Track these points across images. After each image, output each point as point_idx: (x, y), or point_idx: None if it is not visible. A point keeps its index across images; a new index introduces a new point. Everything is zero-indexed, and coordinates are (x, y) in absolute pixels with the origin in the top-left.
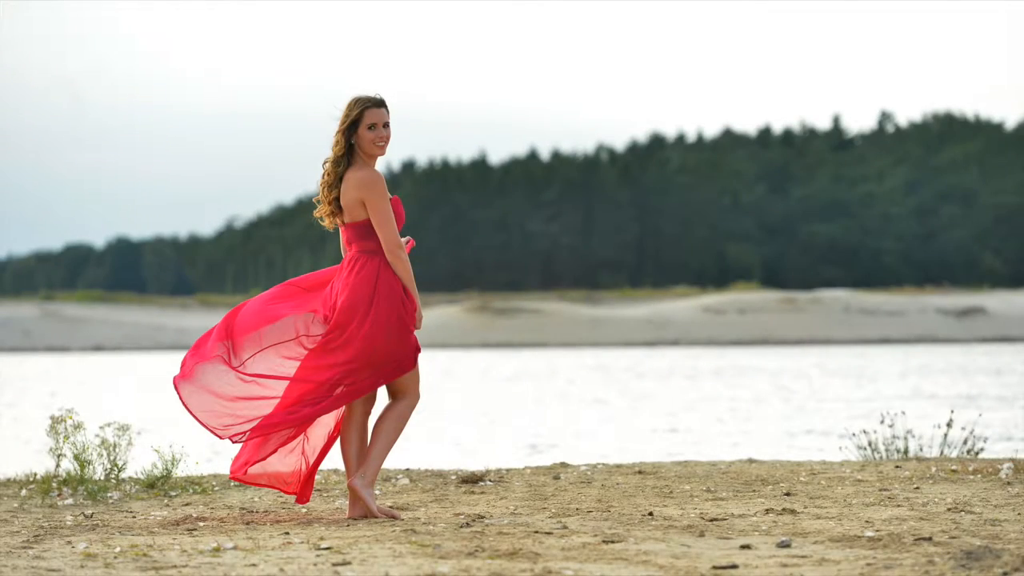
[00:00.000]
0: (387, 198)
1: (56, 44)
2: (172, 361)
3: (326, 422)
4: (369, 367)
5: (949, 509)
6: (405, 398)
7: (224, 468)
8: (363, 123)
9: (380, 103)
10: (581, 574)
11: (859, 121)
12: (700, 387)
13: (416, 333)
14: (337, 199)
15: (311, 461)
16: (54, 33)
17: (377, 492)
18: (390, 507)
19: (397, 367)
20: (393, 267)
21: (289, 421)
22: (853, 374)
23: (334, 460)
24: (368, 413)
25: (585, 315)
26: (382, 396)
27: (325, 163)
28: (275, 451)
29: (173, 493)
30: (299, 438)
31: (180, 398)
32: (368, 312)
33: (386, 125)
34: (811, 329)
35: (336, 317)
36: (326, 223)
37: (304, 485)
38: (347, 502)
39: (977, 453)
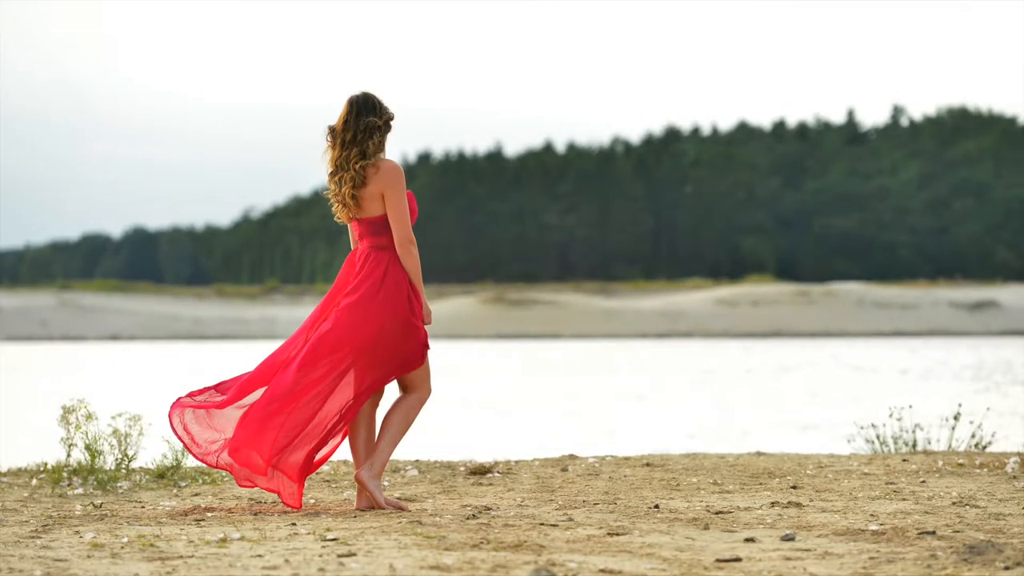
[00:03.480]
0: (405, 192)
1: (71, 35)
2: (187, 350)
3: (324, 423)
4: (375, 361)
5: (954, 503)
6: (415, 392)
7: None
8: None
9: None
10: (585, 566)
11: (873, 115)
12: (711, 379)
13: (433, 325)
14: (355, 194)
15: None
16: (69, 24)
17: (386, 483)
18: (398, 498)
19: (404, 362)
20: (403, 261)
21: (293, 418)
22: (865, 366)
23: (343, 452)
24: (376, 406)
25: (600, 307)
26: (392, 390)
27: (355, 161)
28: (280, 452)
29: (183, 483)
30: (301, 437)
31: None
32: (375, 307)
33: None
34: (824, 322)
35: (342, 311)
36: (340, 217)
37: (299, 486)
38: (355, 493)
39: (984, 447)
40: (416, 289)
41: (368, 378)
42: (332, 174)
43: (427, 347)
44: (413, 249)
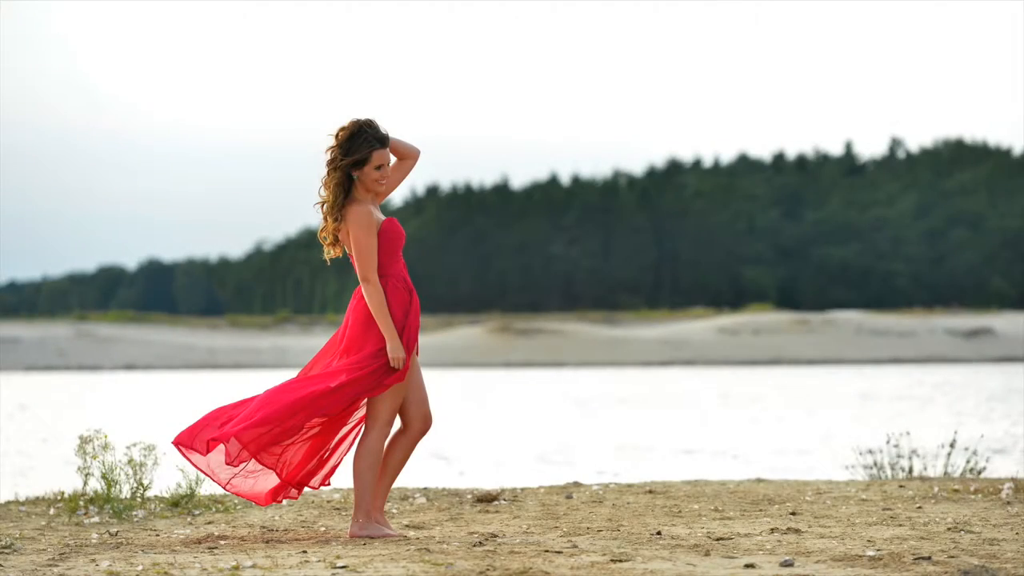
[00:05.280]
0: (368, 231)
1: (89, 68)
2: (201, 379)
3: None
4: (343, 366)
5: (949, 529)
6: (371, 430)
7: None
8: (371, 163)
9: (386, 141)
10: None
11: (870, 146)
12: (713, 406)
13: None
14: (336, 230)
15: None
16: (87, 57)
17: (393, 511)
18: (405, 526)
19: (377, 384)
20: (365, 297)
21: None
22: (863, 394)
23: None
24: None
25: (604, 335)
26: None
27: (322, 191)
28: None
29: (196, 512)
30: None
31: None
32: (368, 337)
33: (389, 164)
34: (823, 349)
35: (346, 345)
36: (327, 253)
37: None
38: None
39: (979, 472)
40: (409, 322)
41: (334, 376)
42: (322, 211)
43: (384, 379)
44: (370, 287)
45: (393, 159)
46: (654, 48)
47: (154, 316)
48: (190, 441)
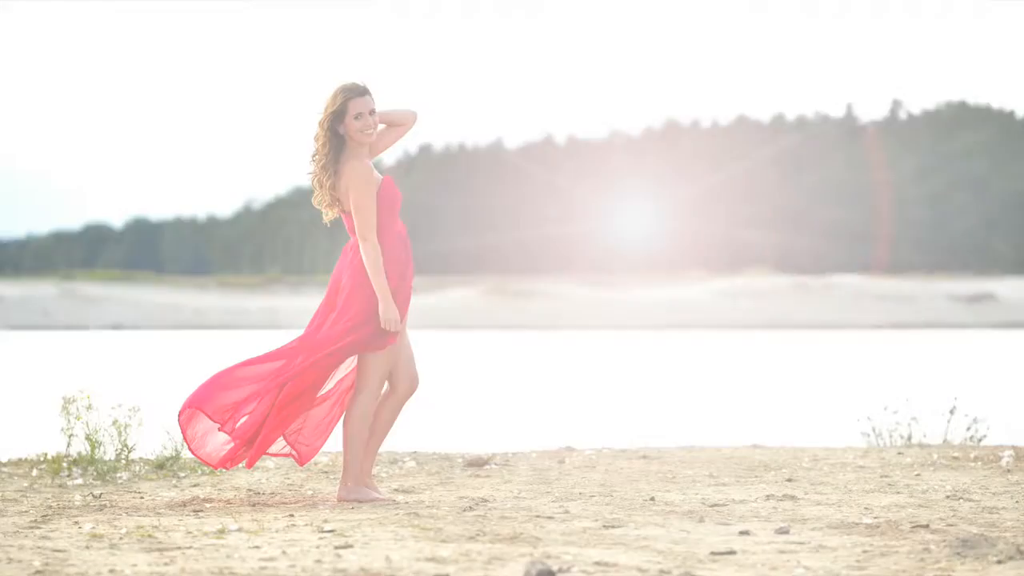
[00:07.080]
0: (368, 190)
1: (76, 28)
2: (188, 340)
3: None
4: (339, 325)
5: (948, 496)
6: (361, 391)
7: None
8: (349, 114)
9: (363, 91)
10: (580, 559)
11: (871, 109)
12: (710, 370)
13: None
14: (332, 189)
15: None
16: (77, 18)
17: (383, 475)
18: (395, 490)
19: (370, 341)
20: (363, 256)
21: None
22: (862, 358)
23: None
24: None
25: (600, 298)
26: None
27: (315, 155)
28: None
29: (182, 474)
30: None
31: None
32: (365, 295)
33: (372, 112)
34: (823, 314)
35: (341, 307)
36: (326, 215)
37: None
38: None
39: (979, 440)
40: (404, 284)
41: (329, 341)
42: (312, 171)
43: (377, 340)
44: (367, 246)
45: (382, 126)
46: (652, 7)
47: (141, 275)
48: (199, 404)
